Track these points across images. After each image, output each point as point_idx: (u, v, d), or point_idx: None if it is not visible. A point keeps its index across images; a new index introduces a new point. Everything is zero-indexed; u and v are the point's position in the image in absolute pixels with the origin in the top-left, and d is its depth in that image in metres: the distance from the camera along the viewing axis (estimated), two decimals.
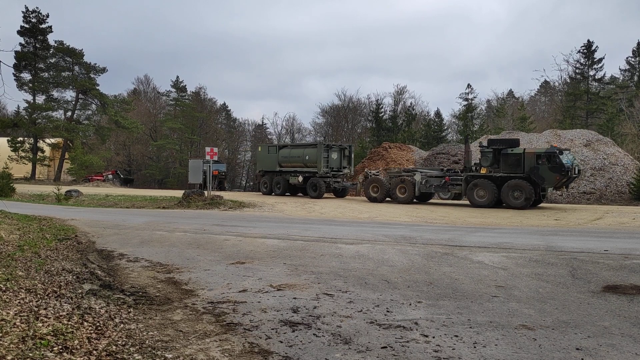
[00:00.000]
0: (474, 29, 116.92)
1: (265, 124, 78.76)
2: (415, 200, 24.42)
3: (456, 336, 4.55)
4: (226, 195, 26.07)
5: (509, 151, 21.20)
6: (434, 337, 4.51)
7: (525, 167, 20.62)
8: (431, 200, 26.12)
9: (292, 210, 19.97)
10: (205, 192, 23.12)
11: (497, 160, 21.49)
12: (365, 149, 52.26)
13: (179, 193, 26.47)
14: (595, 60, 56.79)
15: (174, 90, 71.81)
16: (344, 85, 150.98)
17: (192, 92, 72.71)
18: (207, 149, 23.91)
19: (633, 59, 61.48)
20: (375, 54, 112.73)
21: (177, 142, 67.73)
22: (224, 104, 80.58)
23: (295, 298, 5.93)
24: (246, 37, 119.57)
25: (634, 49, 60.85)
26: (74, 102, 56.22)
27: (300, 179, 27.86)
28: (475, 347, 4.28)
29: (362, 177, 26.94)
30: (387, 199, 24.71)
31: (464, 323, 4.96)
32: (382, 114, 61.47)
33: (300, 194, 29.41)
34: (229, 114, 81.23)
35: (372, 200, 24.70)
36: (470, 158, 23.65)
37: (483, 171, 21.83)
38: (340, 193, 28.83)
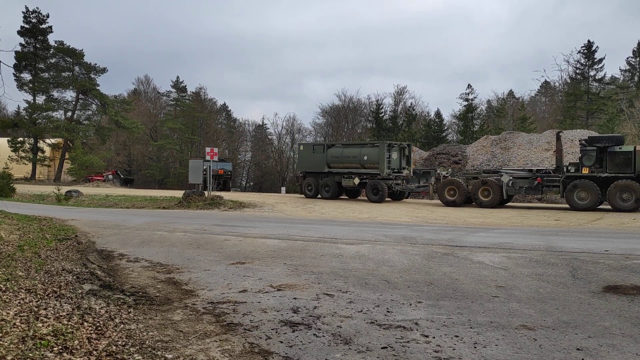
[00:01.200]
0: (475, 29, 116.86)
1: (266, 124, 78.68)
2: (500, 204, 22.16)
3: (456, 336, 4.55)
4: (226, 195, 26.06)
5: (617, 149, 19.61)
6: (434, 338, 4.51)
7: (636, 166, 19.01)
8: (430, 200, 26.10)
9: (292, 211, 19.97)
10: (206, 192, 23.11)
11: (601, 159, 19.81)
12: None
13: (179, 193, 26.46)
14: (595, 60, 56.78)
15: (174, 90, 71.83)
16: (345, 85, 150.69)
17: (192, 92, 72.73)
18: (208, 149, 23.92)
19: (633, 59, 61.44)
20: (376, 54, 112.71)
21: (178, 143, 67.74)
22: (224, 104, 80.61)
23: (295, 298, 5.92)
24: (246, 37, 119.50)
25: (634, 49, 60.81)
26: (74, 103, 56.23)
27: (357, 181, 25.58)
28: (475, 347, 4.27)
29: (434, 179, 24.69)
30: (464, 202, 22.61)
31: (464, 323, 4.96)
32: (382, 114, 61.50)
33: (349, 197, 27.74)
34: (229, 114, 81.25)
35: (449, 204, 22.47)
36: (562, 157, 22.19)
37: (585, 171, 20.03)
38: (398, 196, 26.70)
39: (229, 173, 43.72)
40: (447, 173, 24.84)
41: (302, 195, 28.26)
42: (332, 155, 26.83)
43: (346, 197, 27.75)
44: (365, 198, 26.69)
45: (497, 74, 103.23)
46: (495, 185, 21.68)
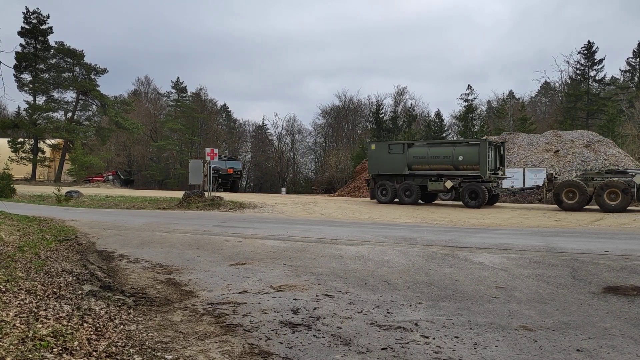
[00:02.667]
0: (476, 29, 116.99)
1: (266, 124, 78.70)
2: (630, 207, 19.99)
3: (456, 337, 4.55)
4: (226, 196, 26.05)
5: None
6: (434, 338, 4.51)
7: None
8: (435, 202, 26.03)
9: (292, 211, 19.97)
10: (206, 193, 23.11)
11: None
12: (365, 150, 52.30)
13: (179, 194, 26.45)
14: (595, 61, 56.81)
15: (175, 91, 71.89)
16: (346, 85, 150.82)
17: (193, 93, 72.80)
18: (208, 150, 23.91)
19: (633, 60, 61.50)
20: (377, 55, 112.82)
21: (178, 143, 67.76)
22: (225, 104, 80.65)
23: (295, 299, 5.92)
24: (247, 38, 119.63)
25: (635, 49, 60.86)
26: (74, 103, 56.27)
27: (449, 184, 23.01)
28: (475, 348, 4.27)
29: (546, 179, 22.87)
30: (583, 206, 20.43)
31: (464, 324, 4.96)
32: (383, 114, 61.49)
33: (424, 201, 24.94)
34: (229, 114, 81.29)
35: (567, 208, 20.16)
36: None
37: None
38: (492, 199, 23.98)
39: (239, 172, 41.33)
40: (556, 173, 23.10)
41: (374, 200, 25.03)
42: (415, 155, 23.96)
43: (427, 201, 25.21)
44: (441, 201, 25.33)
45: (498, 74, 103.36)
46: (624, 187, 19.18)
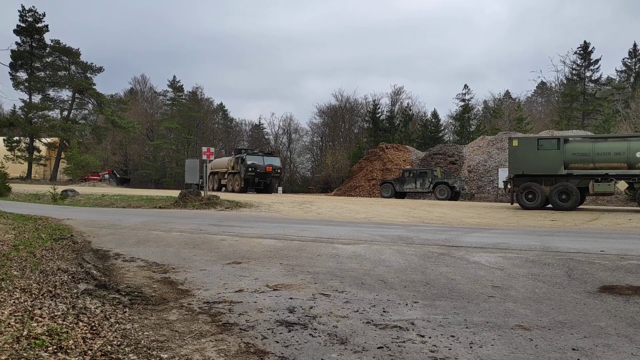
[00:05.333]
0: (475, 29, 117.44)
1: (262, 124, 78.69)
2: None
3: (452, 336, 4.55)
4: (222, 195, 26.01)
5: None
6: (430, 338, 4.51)
7: None
8: (427, 200, 26.07)
9: (289, 211, 19.96)
10: (202, 192, 23.08)
11: None
12: (362, 150, 52.36)
13: (175, 193, 26.40)
14: (591, 61, 57.02)
15: (171, 90, 71.88)
16: (344, 85, 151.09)
17: (189, 92, 72.77)
18: (204, 149, 23.87)
19: (629, 60, 61.72)
20: (375, 54, 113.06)
21: (174, 142, 67.73)
22: (221, 103, 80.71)
23: (291, 298, 5.91)
24: (244, 37, 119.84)
25: (630, 50, 61.08)
26: (70, 102, 56.19)
27: (624, 185, 20.36)
28: (471, 347, 4.27)
29: None
30: None
31: (460, 323, 4.96)
32: (379, 114, 61.54)
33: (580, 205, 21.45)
34: (225, 114, 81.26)
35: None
36: None
37: None
38: None
39: (279, 170, 35.09)
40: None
41: (517, 205, 21.74)
42: (575, 152, 20.40)
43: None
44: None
45: (497, 74, 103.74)
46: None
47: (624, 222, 15.75)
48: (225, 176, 35.26)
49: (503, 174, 33.07)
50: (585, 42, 56.90)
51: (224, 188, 35.69)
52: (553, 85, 65.55)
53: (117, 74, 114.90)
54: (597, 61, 56.74)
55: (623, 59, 62.56)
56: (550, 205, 20.69)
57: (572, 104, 56.38)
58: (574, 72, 58.28)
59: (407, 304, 5.70)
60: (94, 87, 54.77)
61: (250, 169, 31.82)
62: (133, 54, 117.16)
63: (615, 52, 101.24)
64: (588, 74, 57.37)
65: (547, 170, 20.62)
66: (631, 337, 4.57)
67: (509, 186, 22.01)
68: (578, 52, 57.05)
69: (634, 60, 61.22)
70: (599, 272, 7.33)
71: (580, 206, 20.40)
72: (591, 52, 56.48)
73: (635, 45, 60.84)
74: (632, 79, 59.73)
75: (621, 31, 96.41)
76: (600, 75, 58.38)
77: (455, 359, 4.01)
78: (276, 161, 34.57)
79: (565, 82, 60.15)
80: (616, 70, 65.57)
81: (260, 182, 33.25)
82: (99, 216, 16.50)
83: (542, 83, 69.16)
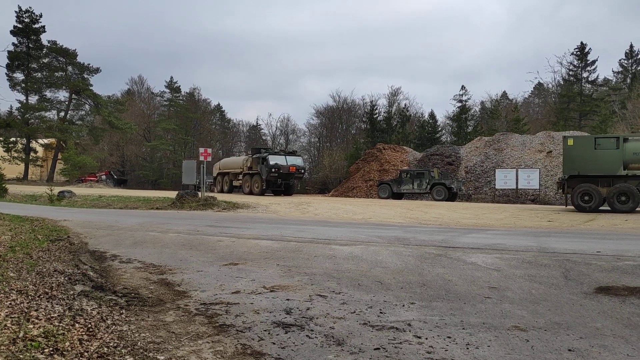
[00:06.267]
0: (474, 30, 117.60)
1: (260, 124, 78.68)
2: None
3: (449, 337, 4.55)
4: (220, 196, 25.99)
5: None
6: (427, 339, 4.51)
7: None
8: (424, 201, 26.06)
9: (286, 212, 19.95)
10: (199, 193, 23.07)
11: None
12: (359, 150, 52.36)
13: (172, 194, 26.36)
14: (588, 62, 57.17)
15: (168, 90, 71.80)
16: (342, 85, 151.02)
17: (186, 92, 72.70)
18: (201, 150, 23.84)
19: (626, 62, 61.92)
20: (373, 55, 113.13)
21: (171, 143, 67.63)
22: (219, 104, 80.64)
23: (288, 299, 5.91)
24: (242, 37, 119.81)
25: (627, 51, 61.27)
26: (67, 103, 56.10)
27: None
28: (468, 348, 4.28)
29: None
30: None
31: (457, 324, 4.97)
32: (377, 115, 61.56)
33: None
34: (223, 114, 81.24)
35: None
36: None
37: None
38: None
39: (302, 171, 32.76)
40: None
41: (571, 208, 20.57)
42: (636, 151, 19.27)
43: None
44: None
45: (496, 75, 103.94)
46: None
47: (621, 222, 15.79)
48: (240, 177, 32.88)
49: (500, 174, 33.25)
50: (582, 43, 57.08)
51: (235, 189, 33.76)
52: (550, 86, 65.77)
53: (114, 75, 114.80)
54: (593, 62, 56.93)
55: (620, 60, 62.84)
56: (607, 208, 19.82)
57: (569, 105, 56.53)
58: (570, 73, 58.45)
59: (403, 305, 5.71)
60: (90, 88, 54.68)
61: (273, 170, 29.52)
62: (130, 55, 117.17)
63: (612, 53, 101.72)
64: (585, 74, 57.54)
65: (605, 170, 19.62)
66: (627, 338, 4.58)
67: (563, 188, 20.75)
68: (575, 53, 57.21)
69: (630, 61, 61.43)
70: (595, 273, 7.35)
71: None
72: (588, 53, 56.66)
73: (631, 46, 61.15)
74: (628, 80, 59.90)
75: (618, 32, 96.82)
76: (597, 76, 58.60)
77: None
78: (299, 161, 32.45)
79: (562, 83, 60.32)
80: (613, 71, 65.87)
81: (282, 183, 31.16)
82: (95, 217, 16.47)
83: (539, 84, 69.34)
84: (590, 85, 58.09)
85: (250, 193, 31.01)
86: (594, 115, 53.18)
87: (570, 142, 20.70)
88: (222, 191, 34.09)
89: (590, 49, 56.64)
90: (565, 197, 21.17)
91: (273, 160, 29.91)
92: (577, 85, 57.70)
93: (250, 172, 31.53)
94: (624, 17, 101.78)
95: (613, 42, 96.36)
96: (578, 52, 56.87)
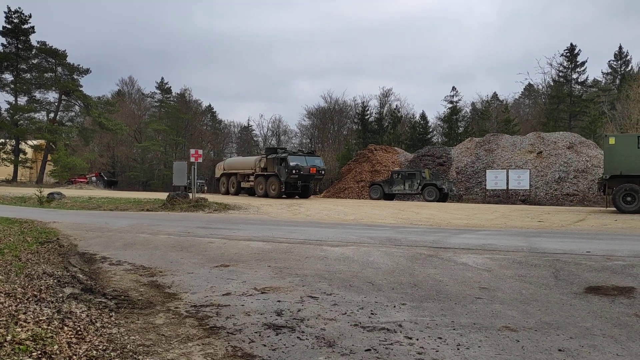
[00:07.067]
0: (464, 31, 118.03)
1: (251, 125, 78.54)
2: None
3: (440, 338, 4.56)
4: (211, 197, 25.89)
5: None
6: (417, 339, 4.52)
7: None
8: (415, 202, 26.11)
9: (277, 213, 19.92)
10: (190, 195, 22.98)
11: None
12: (351, 151, 52.41)
13: (163, 195, 26.22)
14: (578, 63, 57.56)
15: (159, 91, 71.45)
16: (334, 86, 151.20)
17: (177, 93, 72.39)
18: (192, 151, 23.75)
19: (615, 63, 62.42)
20: (365, 56, 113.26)
21: (162, 144, 67.30)
22: (210, 105, 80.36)
23: (279, 301, 5.90)
24: (233, 37, 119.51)
25: (616, 52, 61.79)
26: (56, 104, 55.69)
27: None
28: (458, 348, 4.29)
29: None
30: None
31: (447, 325, 4.97)
32: (368, 116, 61.65)
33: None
34: (214, 115, 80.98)
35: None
36: None
37: None
38: None
39: (322, 172, 30.51)
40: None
41: (613, 209, 19.76)
42: None
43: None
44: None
45: (486, 76, 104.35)
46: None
47: (610, 222, 15.91)
48: (250, 178, 30.95)
49: (491, 175, 33.41)
50: (571, 44, 57.50)
51: (243, 191, 32.00)
52: (540, 87, 66.14)
53: (104, 76, 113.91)
54: (583, 63, 57.33)
55: (609, 61, 63.36)
56: None
57: (559, 106, 56.89)
58: (560, 74, 58.84)
59: (394, 306, 5.71)
60: (80, 88, 54.31)
61: (294, 171, 27.70)
62: (120, 55, 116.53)
63: (601, 54, 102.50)
64: (574, 76, 57.94)
65: None
66: (616, 338, 4.61)
67: (604, 188, 19.82)
68: (564, 54, 57.61)
69: (619, 62, 61.95)
70: (585, 273, 7.39)
71: None
72: (577, 54, 57.07)
73: (620, 47, 61.71)
74: (617, 81, 60.39)
75: (607, 34, 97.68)
76: (587, 77, 59.00)
77: None
78: (319, 161, 30.39)
79: (552, 84, 60.68)
80: (602, 72, 66.35)
81: (300, 185, 29.42)
82: (85, 219, 16.36)
83: (529, 85, 69.74)
84: (579, 87, 58.51)
85: (265, 195, 29.05)
86: (584, 116, 53.56)
87: (612, 141, 19.76)
88: (227, 193, 32.25)
89: (579, 50, 57.12)
90: (607, 198, 20.17)
91: (293, 161, 28.04)
92: (567, 86, 58.09)
93: (265, 173, 29.51)
94: (613, 18, 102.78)
95: (602, 44, 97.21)
96: (568, 54, 57.27)
